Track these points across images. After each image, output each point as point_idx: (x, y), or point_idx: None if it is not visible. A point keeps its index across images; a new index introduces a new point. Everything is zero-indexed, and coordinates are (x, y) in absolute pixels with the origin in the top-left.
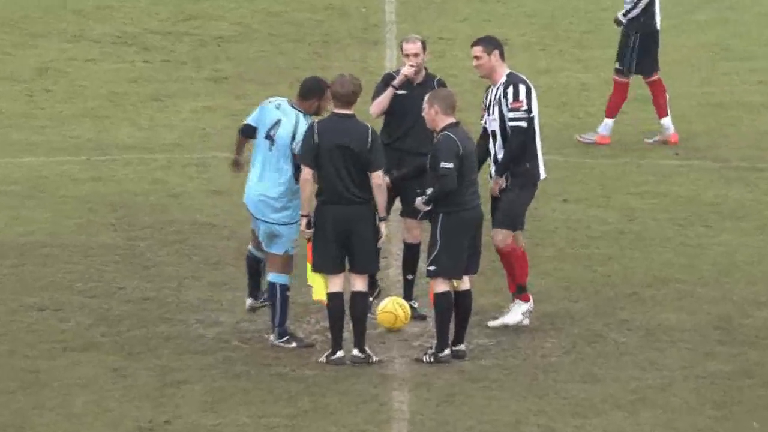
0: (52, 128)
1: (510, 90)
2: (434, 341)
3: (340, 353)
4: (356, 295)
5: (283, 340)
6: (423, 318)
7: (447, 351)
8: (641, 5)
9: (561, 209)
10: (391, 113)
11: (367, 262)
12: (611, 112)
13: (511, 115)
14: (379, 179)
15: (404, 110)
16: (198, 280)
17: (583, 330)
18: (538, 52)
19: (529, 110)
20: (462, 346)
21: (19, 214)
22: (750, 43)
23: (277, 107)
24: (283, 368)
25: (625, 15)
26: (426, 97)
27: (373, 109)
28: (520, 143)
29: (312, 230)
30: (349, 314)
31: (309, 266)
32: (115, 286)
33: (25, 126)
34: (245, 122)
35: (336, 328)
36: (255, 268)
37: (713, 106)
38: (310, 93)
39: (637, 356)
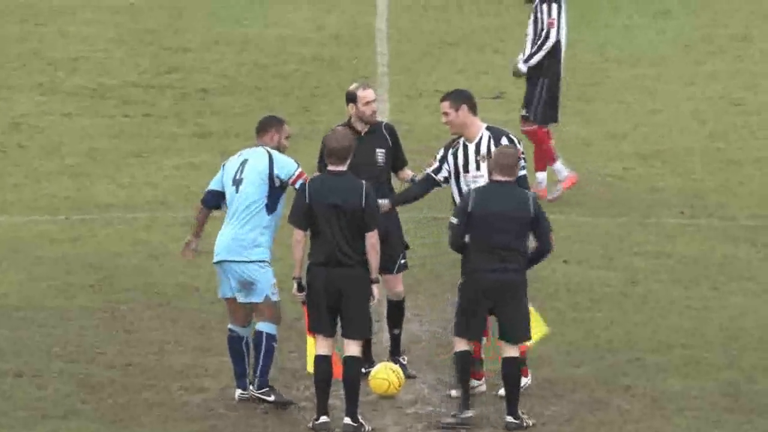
0: (28, 186)
1: (505, 142)
2: (436, 407)
3: (323, 418)
4: (349, 360)
5: (262, 391)
6: (412, 377)
7: (469, 413)
8: (546, 48)
9: (561, 270)
10: None
11: (359, 326)
12: (551, 159)
13: None
14: (373, 239)
15: (356, 161)
16: (182, 345)
17: (585, 397)
18: None
19: (524, 158)
20: (510, 418)
21: None
22: (761, 96)
23: (239, 155)
24: None
25: (526, 61)
26: None
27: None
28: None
29: (304, 293)
30: (342, 381)
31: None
32: (95, 351)
33: None
34: (208, 189)
35: (321, 393)
36: (238, 350)
37: (722, 162)
38: (266, 126)
39: (641, 424)
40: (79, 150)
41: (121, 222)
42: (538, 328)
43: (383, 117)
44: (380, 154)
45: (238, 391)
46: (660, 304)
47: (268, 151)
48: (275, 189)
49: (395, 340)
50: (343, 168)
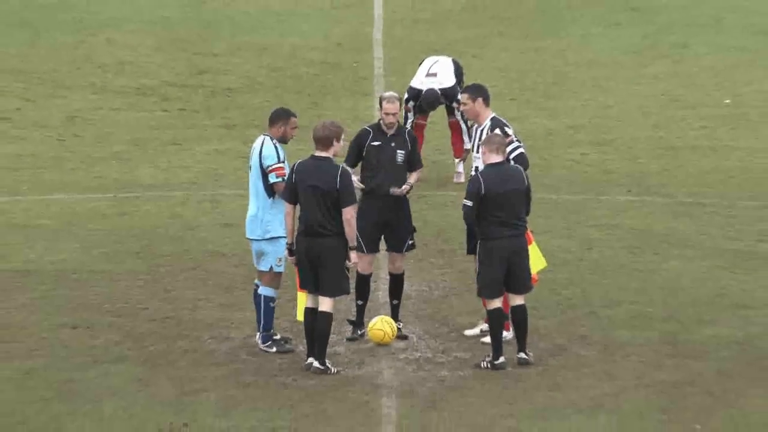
0: (82, 170)
1: (498, 131)
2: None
3: (311, 359)
4: (321, 315)
5: (266, 344)
6: (405, 338)
7: (502, 359)
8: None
9: None
10: (367, 164)
11: (333, 287)
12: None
13: (509, 149)
14: (348, 214)
15: (379, 160)
16: (211, 302)
17: (548, 345)
18: (508, 101)
19: (519, 140)
20: (522, 355)
21: (53, 246)
22: (696, 93)
23: (256, 142)
24: (287, 378)
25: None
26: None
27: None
28: (527, 165)
29: (294, 257)
30: (314, 331)
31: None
32: (139, 307)
33: (57, 168)
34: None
35: (309, 339)
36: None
37: (663, 149)
38: (275, 118)
39: (595, 368)
40: (125, 139)
41: (160, 199)
42: (538, 262)
43: (380, 113)
44: (400, 154)
45: (258, 334)
46: (611, 268)
47: (262, 141)
48: (266, 174)
49: (394, 309)
50: (326, 154)
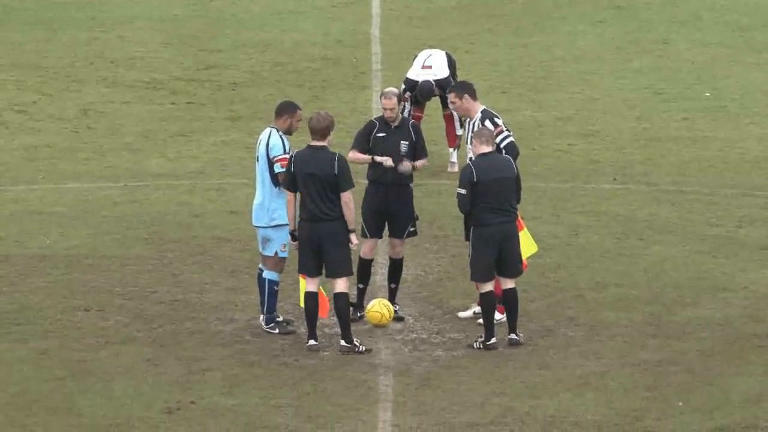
0: (95, 160)
1: (488, 123)
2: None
3: (312, 342)
4: (337, 296)
5: (269, 326)
6: (401, 319)
7: (494, 339)
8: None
9: None
10: (373, 154)
11: (338, 268)
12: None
13: (499, 138)
14: (346, 198)
15: (383, 150)
16: (217, 285)
17: (537, 326)
18: (499, 94)
19: (509, 130)
20: (513, 335)
21: (67, 232)
22: (678, 87)
23: (262, 133)
24: (289, 358)
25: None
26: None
27: (350, 158)
28: (517, 153)
29: (296, 242)
30: (335, 312)
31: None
32: (148, 290)
33: (71, 158)
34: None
35: (309, 321)
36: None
37: (647, 139)
38: (282, 111)
39: (582, 347)
40: (136, 131)
41: (168, 188)
42: (530, 247)
43: (377, 104)
44: (404, 145)
45: (262, 317)
46: (597, 252)
47: (269, 133)
48: (272, 164)
49: (392, 293)
50: (323, 143)
